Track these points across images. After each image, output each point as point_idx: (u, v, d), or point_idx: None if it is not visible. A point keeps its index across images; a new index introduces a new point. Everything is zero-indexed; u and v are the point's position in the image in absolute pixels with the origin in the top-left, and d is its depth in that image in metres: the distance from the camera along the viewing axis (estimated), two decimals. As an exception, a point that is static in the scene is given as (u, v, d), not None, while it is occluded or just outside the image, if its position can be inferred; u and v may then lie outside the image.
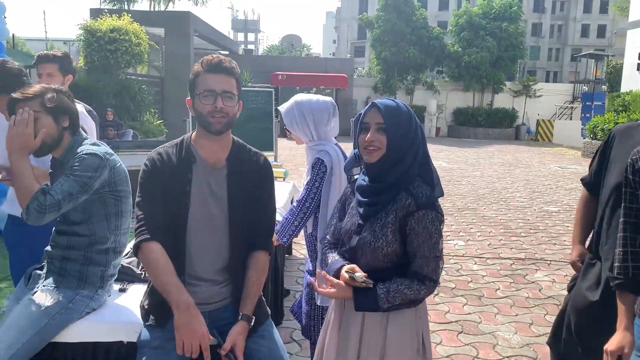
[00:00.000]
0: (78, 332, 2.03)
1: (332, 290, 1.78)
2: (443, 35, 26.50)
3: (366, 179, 1.86)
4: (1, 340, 1.87)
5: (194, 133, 1.93)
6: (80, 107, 2.64)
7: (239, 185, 1.91)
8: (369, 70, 30.20)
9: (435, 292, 4.62)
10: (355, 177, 1.97)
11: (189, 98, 1.87)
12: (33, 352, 1.91)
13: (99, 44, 12.53)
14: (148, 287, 1.95)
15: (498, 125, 25.35)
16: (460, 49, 25.54)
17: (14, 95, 2.00)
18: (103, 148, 2.07)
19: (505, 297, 4.56)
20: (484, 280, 4.99)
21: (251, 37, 69.62)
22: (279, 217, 3.96)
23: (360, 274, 1.73)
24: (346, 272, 1.76)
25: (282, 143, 18.64)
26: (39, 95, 2.00)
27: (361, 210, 1.84)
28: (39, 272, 2.11)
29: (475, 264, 5.51)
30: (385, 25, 25.12)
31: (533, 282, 4.95)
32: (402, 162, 1.78)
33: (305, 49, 59.22)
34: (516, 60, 26.68)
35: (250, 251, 1.96)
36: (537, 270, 5.34)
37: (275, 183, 5.25)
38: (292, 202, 5.13)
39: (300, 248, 5.69)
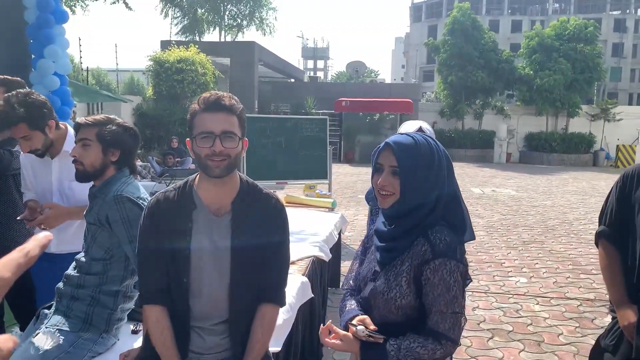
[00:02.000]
0: (78, 379, 1.95)
1: (338, 342, 1.60)
2: (513, 58, 25.66)
3: (384, 221, 1.68)
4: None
5: (198, 175, 1.78)
6: None
7: (244, 234, 1.74)
8: (436, 95, 29.73)
9: (490, 335, 4.27)
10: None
11: (188, 139, 1.72)
12: (28, 399, 1.85)
13: (167, 74, 13.06)
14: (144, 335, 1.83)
15: (574, 151, 24.03)
16: (531, 72, 24.60)
17: (79, 120, 2.12)
18: (142, 194, 2.10)
19: (569, 343, 4.13)
20: (546, 323, 4.57)
21: (321, 64, 70.81)
22: (316, 252, 3.84)
23: (362, 328, 1.55)
24: (352, 324, 1.59)
25: (342, 168, 18.59)
26: (99, 124, 2.07)
27: (378, 255, 1.65)
28: (46, 311, 2.07)
29: (537, 304, 5.07)
30: (451, 49, 24.68)
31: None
32: (421, 207, 1.58)
33: (372, 74, 59.41)
34: (593, 83, 25.31)
35: (258, 303, 1.79)
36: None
37: (322, 213, 5.18)
38: (340, 233, 4.98)
39: (348, 281, 5.47)
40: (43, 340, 1.90)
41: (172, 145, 11.61)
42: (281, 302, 1.84)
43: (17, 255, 0.47)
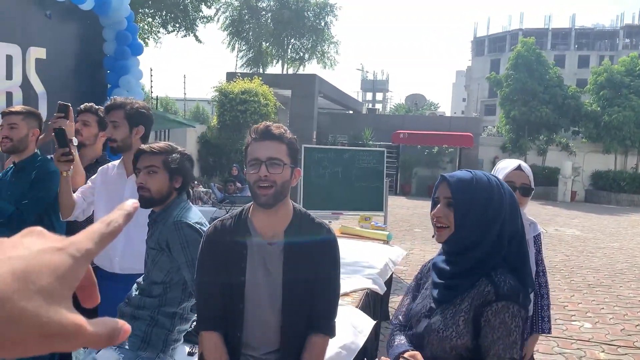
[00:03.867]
0: (136, 396, 2.02)
1: None
2: (580, 94, 24.88)
3: (443, 257, 1.67)
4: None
5: (252, 204, 1.85)
6: None
7: (296, 262, 1.78)
8: (497, 129, 29.16)
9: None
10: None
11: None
12: (90, 411, 1.93)
13: (231, 104, 13.52)
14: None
15: (645, 191, 22.80)
16: (599, 108, 23.74)
17: (143, 146, 2.16)
18: (200, 219, 2.17)
19: (637, 397, 3.87)
20: (612, 373, 4.31)
21: (380, 96, 71.15)
22: (370, 285, 3.82)
23: None
24: (404, 357, 1.56)
25: (399, 201, 18.42)
26: (165, 152, 2.13)
27: (435, 292, 1.63)
28: (108, 329, 2.16)
29: (602, 351, 4.79)
30: (515, 84, 24.23)
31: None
32: (478, 245, 1.55)
33: (432, 107, 59.08)
34: (666, 120, 24.10)
35: (308, 333, 1.82)
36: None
37: (377, 245, 5.15)
38: (392, 269, 4.92)
39: (401, 316, 5.37)
40: (104, 357, 1.99)
41: (233, 173, 11.94)
42: (331, 332, 1.85)
43: (99, 226, 0.43)
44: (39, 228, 0.42)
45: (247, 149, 1.77)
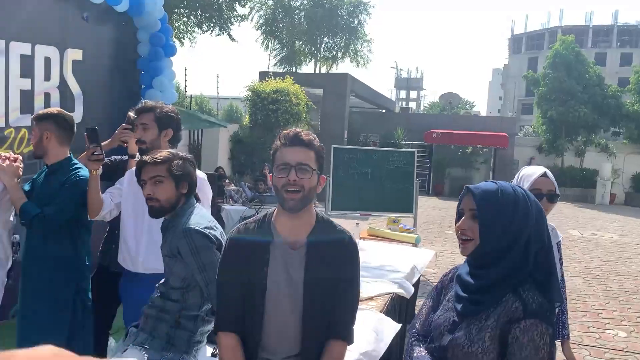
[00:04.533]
0: (159, 396, 2.06)
1: None
2: (621, 94, 24.11)
3: (468, 270, 1.64)
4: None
5: (276, 209, 1.88)
6: (200, 174, 2.80)
7: (318, 268, 1.80)
8: (534, 129, 28.52)
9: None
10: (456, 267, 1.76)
11: (271, 174, 1.85)
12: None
13: (263, 103, 13.62)
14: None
15: (689, 195, 21.98)
16: (641, 108, 22.99)
17: (144, 158, 2.19)
18: (209, 222, 2.18)
19: (672, 411, 3.74)
20: (646, 385, 4.17)
21: (414, 94, 70.48)
22: (396, 289, 3.79)
23: None
24: None
25: (430, 202, 18.21)
26: (167, 161, 2.15)
27: (459, 306, 1.60)
28: (134, 329, 2.21)
29: (637, 362, 4.65)
30: (552, 83, 23.65)
31: None
32: (504, 258, 1.52)
33: (467, 106, 58.22)
34: None
35: (327, 339, 1.83)
36: None
37: (405, 248, 5.11)
38: (420, 272, 4.86)
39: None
40: (130, 356, 2.04)
41: (264, 172, 12.01)
42: (349, 339, 1.86)
43: None
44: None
45: (276, 154, 1.79)
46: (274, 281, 1.79)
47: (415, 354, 1.69)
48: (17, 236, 3.06)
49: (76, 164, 2.90)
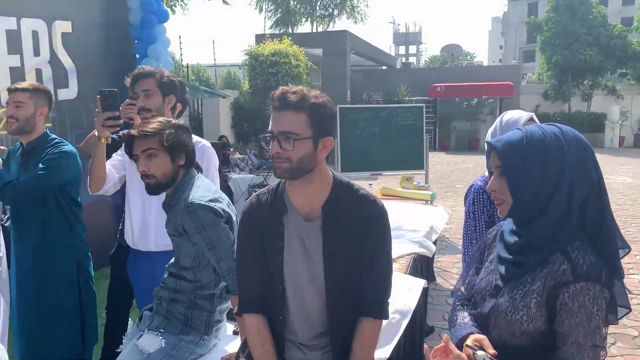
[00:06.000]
0: (184, 380, 1.95)
1: None
2: (626, 33, 23.49)
3: (512, 227, 1.47)
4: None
5: None
6: (206, 142, 2.61)
7: (336, 239, 1.60)
8: (538, 76, 27.99)
9: (612, 340, 3.87)
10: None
11: None
12: (136, 399, 1.87)
13: (262, 67, 13.31)
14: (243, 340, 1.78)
15: (699, 133, 21.66)
16: (648, 47, 22.42)
17: (132, 131, 1.96)
18: (213, 194, 1.99)
19: None
20: (677, 329, 4.07)
21: (413, 49, 69.35)
22: (417, 249, 3.66)
23: (483, 353, 1.35)
24: (468, 346, 1.39)
25: (438, 157, 18.02)
26: (158, 132, 1.92)
27: (502, 269, 1.44)
28: (148, 312, 2.09)
29: (665, 307, 4.54)
30: (556, 27, 23.04)
31: None
32: (545, 212, 1.34)
33: (468, 57, 57.24)
34: None
35: (358, 316, 1.66)
36: None
37: (421, 206, 4.97)
38: (437, 229, 4.73)
39: (447, 276, 5.23)
40: (147, 342, 1.91)
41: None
42: (382, 315, 1.68)
43: None
44: None
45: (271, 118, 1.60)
46: (290, 257, 1.63)
47: (458, 320, 1.55)
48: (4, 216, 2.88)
49: (55, 138, 2.64)
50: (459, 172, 14.07)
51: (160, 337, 1.92)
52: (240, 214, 1.72)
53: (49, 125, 3.56)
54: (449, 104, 22.16)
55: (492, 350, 1.35)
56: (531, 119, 2.14)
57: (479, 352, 1.35)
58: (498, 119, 2.22)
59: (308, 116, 1.53)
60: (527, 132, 1.38)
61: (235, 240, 1.72)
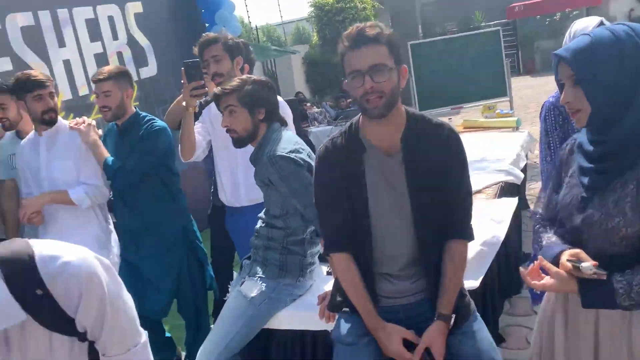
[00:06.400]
0: (286, 320, 2.12)
1: (550, 281, 1.41)
2: None
3: (589, 136, 1.42)
4: (218, 329, 2.05)
5: (360, 116, 1.72)
6: (279, 98, 2.69)
7: (419, 170, 1.66)
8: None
9: None
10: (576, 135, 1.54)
11: (345, 80, 1.65)
12: (246, 339, 2.06)
13: (328, 17, 13.13)
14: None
15: None
16: None
17: (216, 90, 2.14)
18: (294, 145, 2.09)
19: None
20: None
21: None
22: (503, 177, 3.58)
23: (588, 264, 1.33)
24: (569, 260, 1.38)
25: (523, 81, 17.04)
26: (236, 89, 2.07)
27: (585, 179, 1.40)
28: (247, 261, 2.25)
29: None
30: None
31: None
32: (626, 113, 1.30)
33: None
34: None
35: (445, 240, 1.72)
36: None
37: (506, 134, 4.82)
38: (526, 156, 4.59)
39: (542, 203, 5.05)
40: (248, 288, 2.08)
41: (343, 87, 11.79)
42: (469, 236, 1.74)
43: None
44: None
45: (344, 60, 1.61)
46: (374, 192, 1.69)
47: (544, 242, 1.53)
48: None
49: (146, 116, 2.73)
50: (547, 93, 13.22)
51: (260, 282, 2.08)
52: (316, 158, 1.79)
53: (136, 104, 3.77)
54: (530, 23, 20.72)
55: (592, 261, 1.34)
56: (601, 23, 2.02)
57: (584, 264, 1.33)
58: (567, 32, 2.12)
59: (387, 47, 1.56)
60: (595, 35, 1.33)
61: (314, 184, 1.80)
